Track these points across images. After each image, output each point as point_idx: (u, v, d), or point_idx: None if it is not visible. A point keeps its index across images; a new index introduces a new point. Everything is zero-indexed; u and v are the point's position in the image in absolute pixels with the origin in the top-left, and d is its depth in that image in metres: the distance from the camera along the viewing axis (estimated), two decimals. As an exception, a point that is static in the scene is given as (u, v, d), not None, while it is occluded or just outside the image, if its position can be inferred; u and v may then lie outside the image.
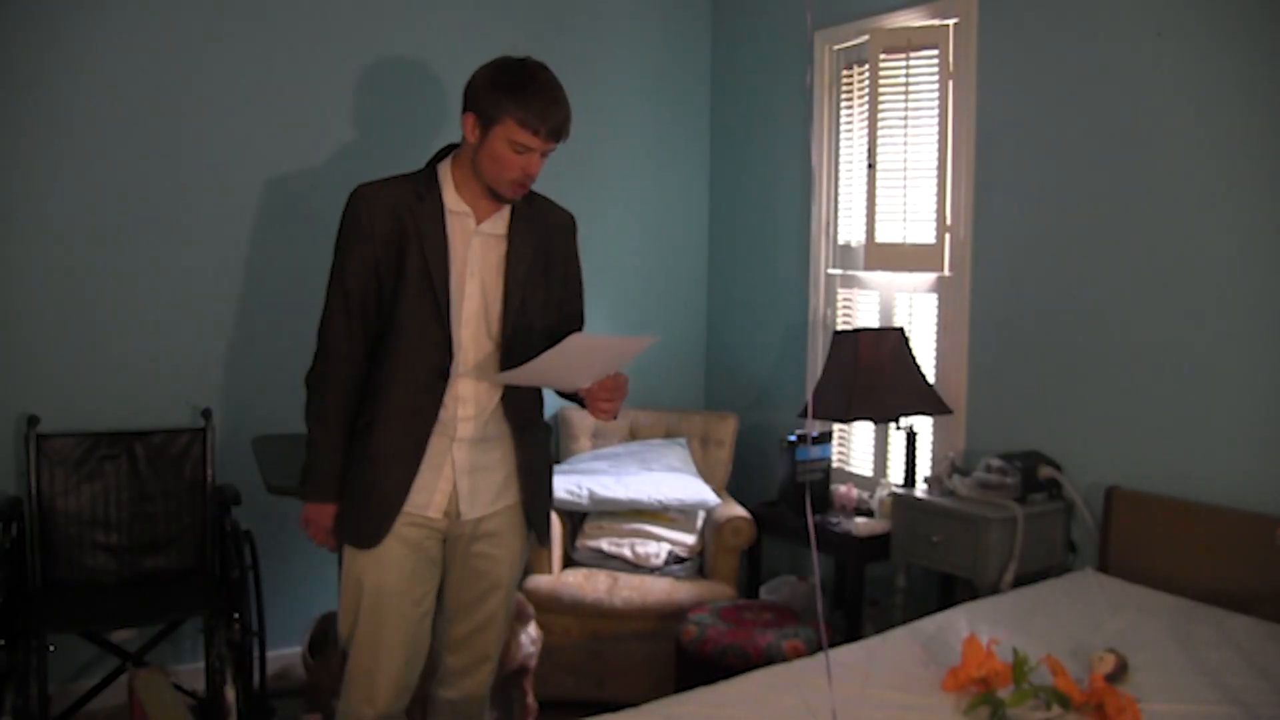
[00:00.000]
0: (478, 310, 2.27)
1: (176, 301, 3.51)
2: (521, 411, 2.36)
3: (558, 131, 2.20)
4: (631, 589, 3.48)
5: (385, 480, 2.25)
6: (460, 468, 2.29)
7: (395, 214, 2.23)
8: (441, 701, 2.48)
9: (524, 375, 2.21)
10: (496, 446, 2.33)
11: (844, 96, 3.86)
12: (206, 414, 3.48)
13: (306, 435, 2.31)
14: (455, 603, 2.40)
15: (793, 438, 3.59)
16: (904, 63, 3.49)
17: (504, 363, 2.28)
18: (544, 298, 2.35)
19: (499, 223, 2.29)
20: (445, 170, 2.29)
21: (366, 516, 2.26)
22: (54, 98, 3.30)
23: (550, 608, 3.43)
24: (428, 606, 2.36)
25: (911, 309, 3.62)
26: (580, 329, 2.47)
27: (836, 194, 3.92)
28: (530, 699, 3.10)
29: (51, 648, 2.95)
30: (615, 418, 2.34)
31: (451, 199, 2.26)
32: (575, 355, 2.17)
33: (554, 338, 2.34)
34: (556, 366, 2.18)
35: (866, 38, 3.62)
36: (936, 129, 3.42)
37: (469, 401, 2.28)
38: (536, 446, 2.41)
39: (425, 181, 2.27)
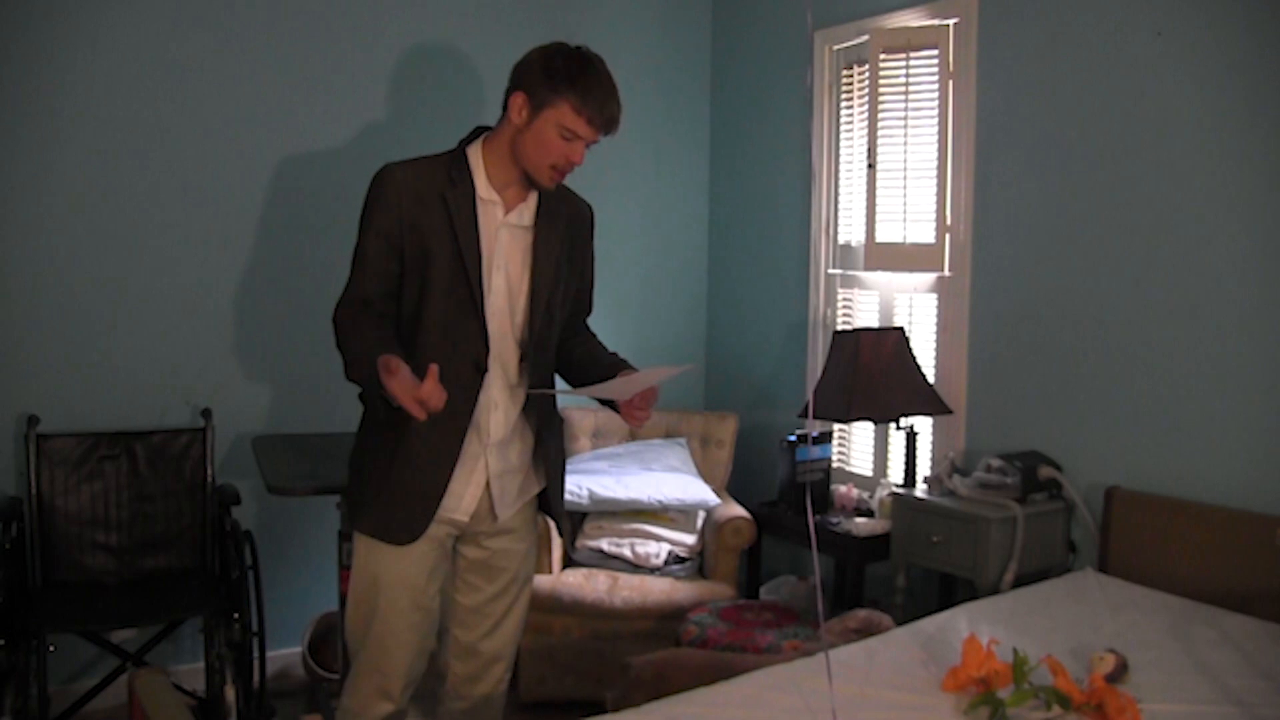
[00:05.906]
0: (503, 306, 2.22)
1: (176, 301, 3.50)
2: (542, 411, 2.33)
3: (611, 123, 2.14)
4: (631, 589, 3.48)
5: (423, 481, 2.20)
6: (493, 471, 2.27)
7: (425, 198, 2.15)
8: (454, 713, 2.45)
9: (583, 392, 2.20)
10: (520, 446, 2.32)
11: (844, 96, 3.86)
12: (206, 414, 3.47)
13: (345, 359, 2.15)
14: (471, 602, 2.38)
15: (793, 438, 3.59)
16: (904, 63, 3.48)
17: (528, 359, 2.24)
18: (564, 292, 2.31)
19: (525, 214, 2.24)
20: (476, 155, 2.21)
21: (402, 515, 2.21)
22: (53, 96, 3.29)
23: (550, 608, 3.42)
24: (440, 599, 2.36)
25: (911, 309, 3.61)
26: (588, 318, 2.47)
27: (836, 194, 3.91)
28: None
29: (51, 648, 2.94)
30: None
31: (483, 186, 2.19)
32: (638, 381, 2.15)
33: (566, 330, 2.34)
34: (615, 388, 2.17)
35: (866, 38, 3.62)
36: (936, 129, 3.42)
37: (500, 403, 2.25)
38: (554, 439, 2.40)
39: (456, 165, 2.19)
